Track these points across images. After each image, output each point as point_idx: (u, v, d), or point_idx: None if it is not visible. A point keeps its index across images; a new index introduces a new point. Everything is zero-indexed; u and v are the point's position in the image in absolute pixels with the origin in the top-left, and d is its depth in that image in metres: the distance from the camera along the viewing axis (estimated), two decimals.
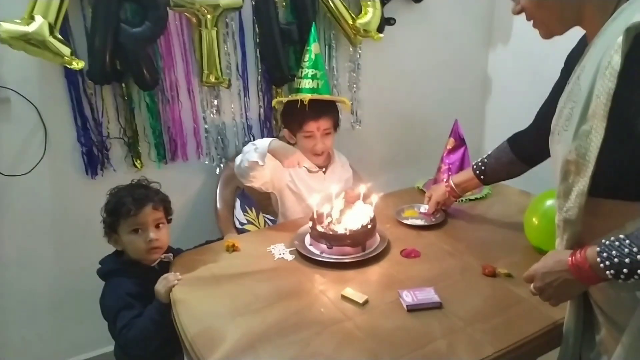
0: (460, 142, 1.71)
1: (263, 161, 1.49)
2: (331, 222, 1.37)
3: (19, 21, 1.42)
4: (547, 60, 2.15)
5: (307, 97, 1.59)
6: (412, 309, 1.10)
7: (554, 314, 1.05)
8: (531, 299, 1.00)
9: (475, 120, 2.57)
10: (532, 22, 0.92)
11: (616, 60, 0.73)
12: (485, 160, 1.44)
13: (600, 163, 0.78)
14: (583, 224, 0.85)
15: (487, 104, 2.56)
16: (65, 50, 1.48)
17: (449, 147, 1.73)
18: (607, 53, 0.75)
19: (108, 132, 1.72)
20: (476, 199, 1.70)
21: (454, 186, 1.51)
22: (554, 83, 1.15)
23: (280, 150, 1.50)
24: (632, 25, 0.72)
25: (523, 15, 0.91)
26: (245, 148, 1.56)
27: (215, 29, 1.71)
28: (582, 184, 0.81)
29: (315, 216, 1.38)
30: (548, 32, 0.92)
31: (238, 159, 1.59)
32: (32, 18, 1.42)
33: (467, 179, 1.49)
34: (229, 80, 1.84)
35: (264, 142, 1.51)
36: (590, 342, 0.94)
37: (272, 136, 1.91)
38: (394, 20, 2.10)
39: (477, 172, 1.45)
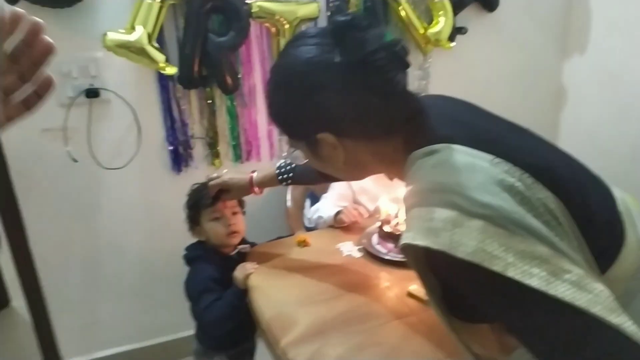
0: None
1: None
2: (398, 223, 1.42)
3: (122, 31, 1.58)
4: (626, 70, 2.10)
5: None
6: None
7: None
8: None
9: (548, 131, 2.49)
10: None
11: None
12: (294, 166, 1.30)
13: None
14: None
15: (562, 114, 2.49)
16: (160, 57, 1.63)
17: None
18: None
19: (192, 133, 1.87)
20: None
21: (254, 180, 1.36)
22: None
23: (345, 217, 1.57)
24: (404, 245, 0.72)
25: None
26: (313, 216, 1.68)
27: None
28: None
29: (383, 217, 1.43)
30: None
31: (310, 218, 1.73)
32: (133, 28, 1.58)
33: (269, 178, 1.35)
34: None
35: (329, 213, 1.59)
36: None
37: None
38: (466, 29, 2.11)
39: (280, 177, 1.32)
